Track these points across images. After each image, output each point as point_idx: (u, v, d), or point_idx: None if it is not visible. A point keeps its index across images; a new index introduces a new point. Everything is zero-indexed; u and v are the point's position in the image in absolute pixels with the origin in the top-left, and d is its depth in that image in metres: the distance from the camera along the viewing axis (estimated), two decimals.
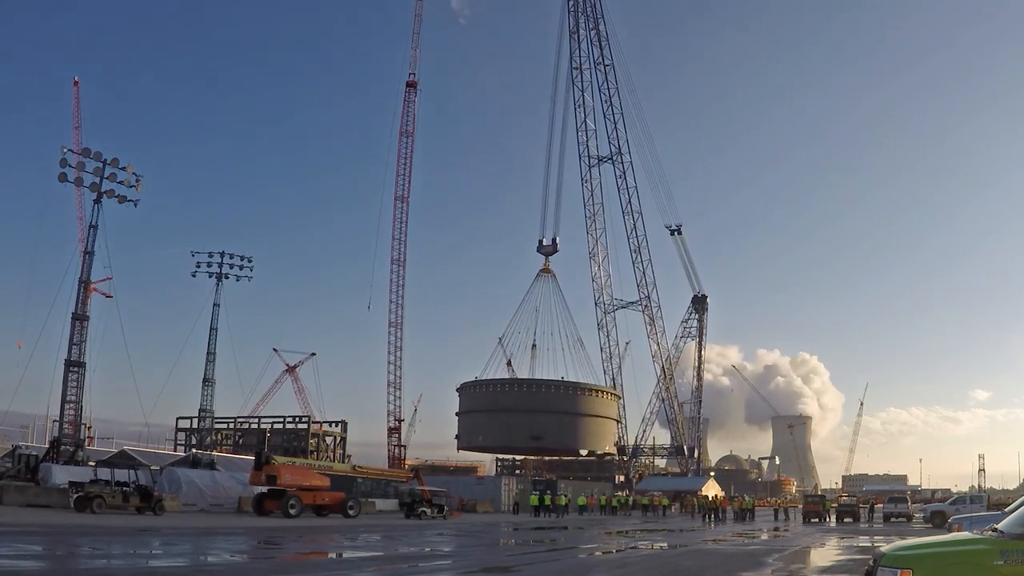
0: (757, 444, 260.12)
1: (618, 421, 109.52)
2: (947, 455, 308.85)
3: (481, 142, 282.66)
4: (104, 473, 35.90)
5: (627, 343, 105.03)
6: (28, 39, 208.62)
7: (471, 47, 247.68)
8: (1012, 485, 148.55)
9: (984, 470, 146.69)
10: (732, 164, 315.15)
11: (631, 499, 73.39)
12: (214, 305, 77.66)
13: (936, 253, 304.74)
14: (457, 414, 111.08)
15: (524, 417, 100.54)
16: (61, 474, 37.85)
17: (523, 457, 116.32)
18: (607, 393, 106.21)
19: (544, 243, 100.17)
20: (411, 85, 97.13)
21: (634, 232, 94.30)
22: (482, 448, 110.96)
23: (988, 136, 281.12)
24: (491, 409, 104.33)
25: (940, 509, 40.20)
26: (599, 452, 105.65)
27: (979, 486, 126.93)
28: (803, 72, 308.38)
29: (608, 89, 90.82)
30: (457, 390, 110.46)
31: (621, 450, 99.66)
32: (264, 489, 38.68)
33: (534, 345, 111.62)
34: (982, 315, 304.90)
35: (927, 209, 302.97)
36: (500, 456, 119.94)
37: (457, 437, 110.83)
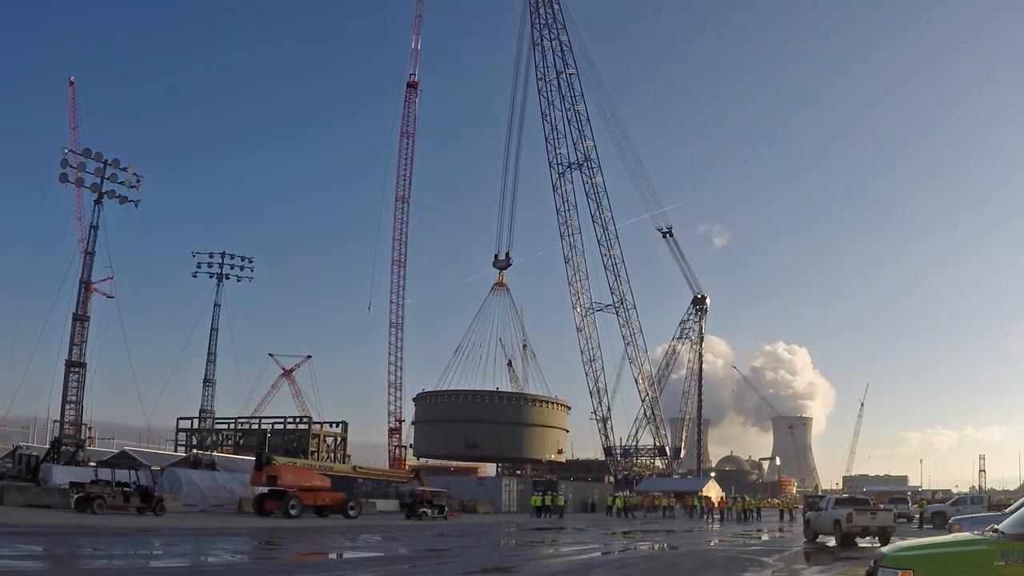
0: (758, 445, 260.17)
1: (566, 430, 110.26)
2: (948, 457, 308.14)
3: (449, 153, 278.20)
4: (105, 473, 35.88)
5: (627, 344, 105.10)
6: (28, 39, 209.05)
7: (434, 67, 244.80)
8: (1013, 486, 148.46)
9: (985, 471, 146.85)
10: (737, 166, 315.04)
11: (632, 500, 73.24)
12: (215, 306, 77.88)
13: (942, 253, 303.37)
14: (413, 423, 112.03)
15: (465, 426, 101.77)
16: (62, 474, 37.85)
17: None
18: (554, 404, 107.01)
19: (499, 257, 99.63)
20: (412, 86, 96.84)
21: (604, 235, 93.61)
22: (428, 455, 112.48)
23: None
24: (434, 419, 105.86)
25: (941, 510, 40.15)
26: (543, 460, 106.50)
27: (980, 487, 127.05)
28: (810, 74, 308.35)
29: (572, 96, 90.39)
30: (413, 400, 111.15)
31: (608, 452, 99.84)
32: (265, 490, 38.66)
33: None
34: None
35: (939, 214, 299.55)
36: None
37: (410, 445, 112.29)
